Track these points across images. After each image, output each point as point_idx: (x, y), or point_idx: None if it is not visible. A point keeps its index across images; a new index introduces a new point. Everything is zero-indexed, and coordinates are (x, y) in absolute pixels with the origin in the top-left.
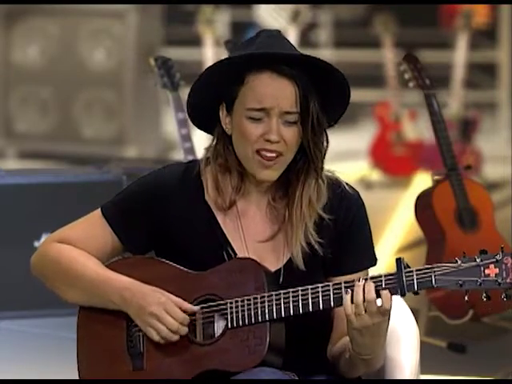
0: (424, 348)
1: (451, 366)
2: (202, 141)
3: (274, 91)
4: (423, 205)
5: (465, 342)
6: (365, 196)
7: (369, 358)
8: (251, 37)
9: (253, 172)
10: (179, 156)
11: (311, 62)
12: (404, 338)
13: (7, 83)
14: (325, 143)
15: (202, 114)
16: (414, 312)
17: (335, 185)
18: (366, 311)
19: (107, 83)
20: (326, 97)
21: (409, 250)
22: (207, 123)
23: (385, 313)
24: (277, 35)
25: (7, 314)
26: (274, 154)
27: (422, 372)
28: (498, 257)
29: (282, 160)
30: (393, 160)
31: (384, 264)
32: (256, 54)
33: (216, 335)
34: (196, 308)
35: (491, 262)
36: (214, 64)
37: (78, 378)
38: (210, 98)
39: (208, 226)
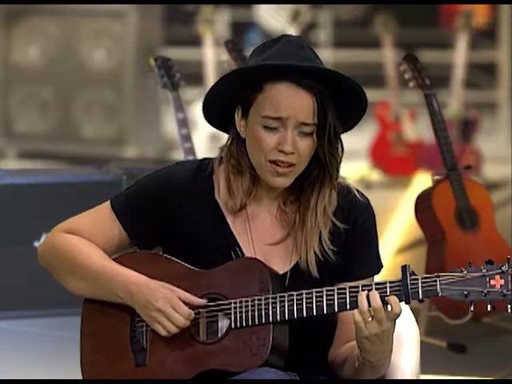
0: (424, 348)
1: (451, 365)
2: (202, 141)
3: (291, 102)
4: (423, 205)
5: (465, 342)
6: None
7: (378, 365)
8: (270, 40)
9: (265, 179)
10: (179, 156)
11: (331, 75)
12: (404, 338)
13: (7, 83)
14: (340, 151)
15: (218, 113)
16: (414, 312)
17: (346, 192)
18: (373, 318)
19: (107, 83)
20: (341, 106)
21: (409, 249)
22: (221, 122)
23: (394, 318)
24: (297, 42)
25: (7, 314)
26: (286, 169)
27: (422, 372)
28: (504, 268)
29: (295, 170)
30: (393, 160)
31: (384, 264)
32: (274, 64)
33: (219, 334)
34: (202, 301)
35: (497, 273)
36: (233, 71)
37: (78, 377)
38: (227, 100)
39: (217, 226)
